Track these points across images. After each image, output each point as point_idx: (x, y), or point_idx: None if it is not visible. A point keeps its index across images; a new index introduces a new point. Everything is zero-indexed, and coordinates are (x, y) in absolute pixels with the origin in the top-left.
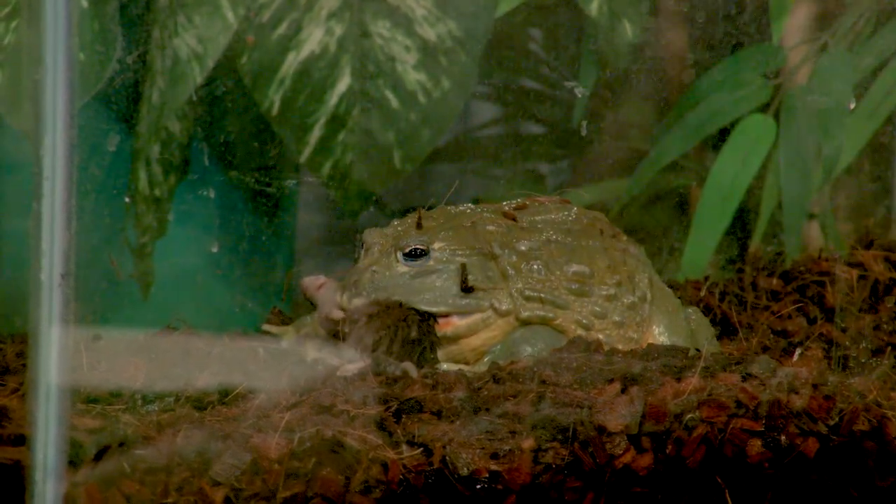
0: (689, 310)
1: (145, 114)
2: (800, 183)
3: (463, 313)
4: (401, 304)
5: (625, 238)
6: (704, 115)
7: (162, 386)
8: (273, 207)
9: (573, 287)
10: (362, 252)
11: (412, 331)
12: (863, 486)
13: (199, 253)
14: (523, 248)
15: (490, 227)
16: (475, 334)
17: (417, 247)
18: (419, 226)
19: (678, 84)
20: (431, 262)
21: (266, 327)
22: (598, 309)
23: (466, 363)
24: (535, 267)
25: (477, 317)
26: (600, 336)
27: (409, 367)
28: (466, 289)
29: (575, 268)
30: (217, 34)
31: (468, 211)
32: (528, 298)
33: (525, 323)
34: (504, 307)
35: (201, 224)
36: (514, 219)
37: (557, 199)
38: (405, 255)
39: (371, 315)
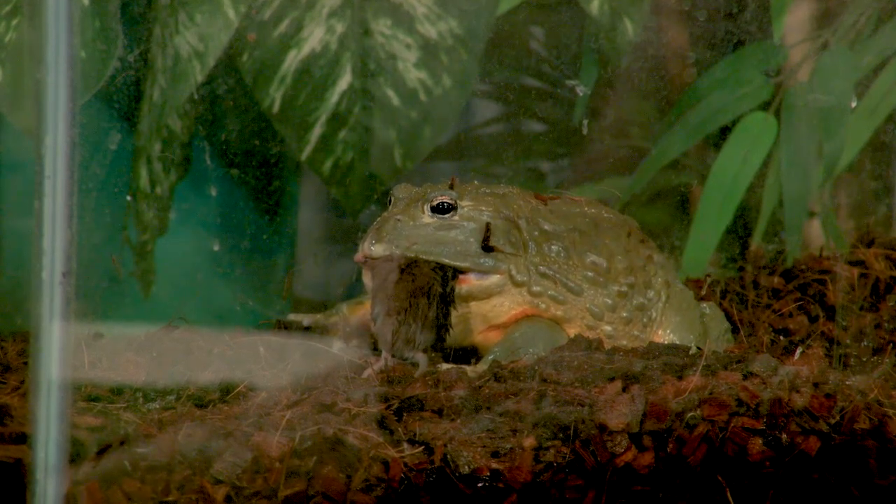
0: (704, 304)
1: (146, 112)
2: (801, 181)
3: (481, 272)
4: (416, 262)
5: (652, 245)
6: (705, 113)
7: (163, 384)
8: (274, 206)
9: (588, 275)
10: (390, 205)
11: (435, 290)
12: (864, 485)
13: (200, 251)
14: (547, 227)
15: (520, 202)
16: (487, 299)
17: (445, 201)
18: (451, 187)
19: (679, 82)
20: (457, 218)
21: (292, 316)
22: (609, 301)
23: (470, 341)
24: (555, 248)
25: (494, 279)
26: (607, 327)
27: (422, 357)
28: (487, 248)
29: (593, 258)
30: (218, 32)
31: (500, 186)
32: (542, 275)
33: (536, 297)
34: (520, 277)
35: (202, 222)
36: (544, 202)
37: (593, 199)
38: (432, 207)
39: (394, 272)
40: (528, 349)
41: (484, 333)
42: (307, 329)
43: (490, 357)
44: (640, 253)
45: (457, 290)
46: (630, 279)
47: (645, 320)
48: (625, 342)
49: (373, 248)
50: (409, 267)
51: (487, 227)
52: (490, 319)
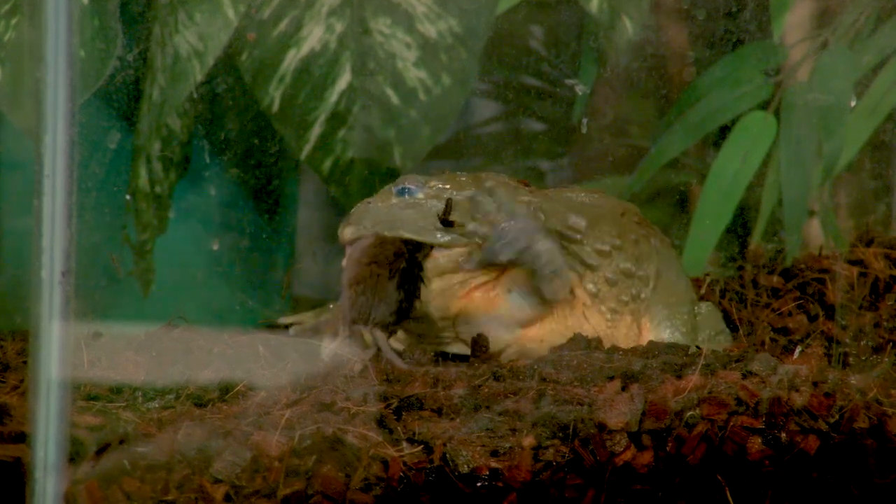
0: (702, 304)
1: (146, 111)
2: (800, 180)
3: (442, 246)
4: (385, 240)
5: (653, 231)
6: (705, 112)
7: (162, 383)
8: (273, 205)
9: (566, 234)
10: None
11: (399, 265)
12: (863, 484)
13: (199, 250)
14: (522, 199)
15: (495, 184)
16: (458, 272)
17: (409, 185)
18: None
19: (679, 81)
20: (421, 196)
21: (282, 319)
22: (588, 261)
23: (453, 310)
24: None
25: (457, 251)
26: (590, 285)
27: (380, 335)
28: (446, 222)
29: (572, 220)
30: (218, 31)
31: (488, 174)
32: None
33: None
34: (482, 231)
35: (202, 221)
36: (526, 185)
37: (595, 190)
38: (398, 189)
39: (362, 251)
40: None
41: (466, 298)
42: (290, 330)
43: (478, 258)
44: (634, 230)
45: (426, 265)
46: (615, 241)
47: (634, 292)
48: (613, 305)
49: (344, 231)
50: (375, 241)
51: (448, 203)
52: (469, 283)
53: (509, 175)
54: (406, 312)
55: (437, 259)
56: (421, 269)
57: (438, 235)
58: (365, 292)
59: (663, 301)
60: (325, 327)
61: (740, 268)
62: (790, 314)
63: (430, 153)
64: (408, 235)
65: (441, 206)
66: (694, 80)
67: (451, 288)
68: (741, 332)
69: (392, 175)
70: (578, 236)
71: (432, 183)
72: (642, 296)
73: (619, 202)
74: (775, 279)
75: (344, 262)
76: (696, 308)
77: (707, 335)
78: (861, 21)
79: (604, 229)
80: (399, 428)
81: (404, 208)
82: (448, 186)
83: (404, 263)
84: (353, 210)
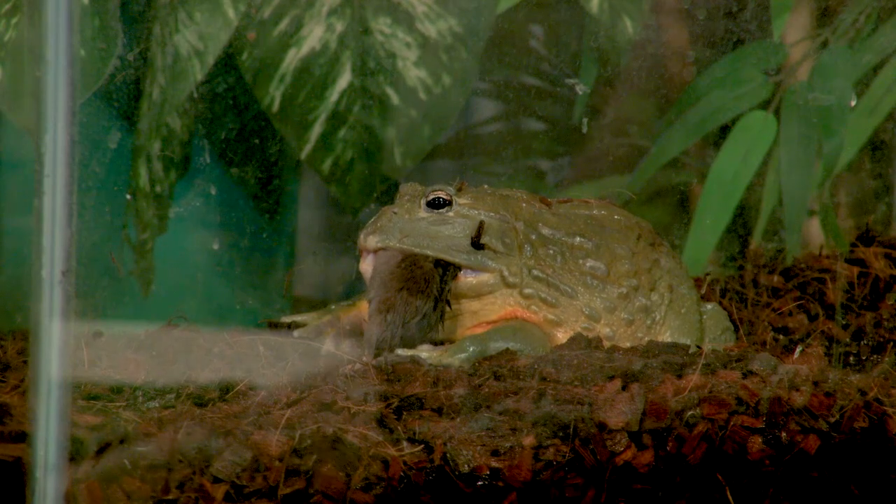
0: (709, 305)
1: (146, 110)
2: (800, 180)
3: (471, 269)
4: (416, 256)
5: (664, 250)
6: (705, 111)
7: (163, 382)
8: (274, 204)
9: (585, 280)
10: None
11: (431, 286)
12: (863, 483)
13: (199, 250)
14: (545, 232)
15: (522, 204)
16: (477, 297)
17: (441, 196)
18: (460, 189)
19: (679, 81)
20: (451, 214)
21: (284, 318)
22: (607, 304)
23: (458, 337)
24: (552, 252)
25: (484, 277)
26: (606, 329)
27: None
28: (477, 245)
29: (591, 263)
30: (218, 31)
31: (507, 189)
32: (535, 278)
33: (527, 300)
34: (512, 278)
35: (202, 221)
36: (548, 205)
37: (606, 202)
38: (428, 202)
39: (390, 266)
40: (502, 344)
41: (472, 330)
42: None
43: (461, 351)
44: (648, 256)
45: (453, 287)
46: (633, 282)
47: (649, 322)
48: (629, 344)
49: (367, 239)
50: (407, 261)
51: (480, 225)
52: (480, 317)
53: (518, 182)
54: (432, 334)
55: (462, 282)
56: (448, 290)
57: (470, 258)
58: (395, 321)
59: (675, 312)
60: (327, 329)
61: (741, 267)
62: (790, 314)
63: (431, 153)
64: (436, 255)
65: (468, 224)
66: (694, 79)
67: (462, 315)
68: (741, 331)
69: (393, 172)
70: (596, 283)
71: (462, 201)
72: (657, 318)
73: (633, 221)
74: (775, 279)
75: (362, 268)
76: (701, 309)
77: (714, 335)
78: (861, 20)
79: (621, 270)
80: (399, 427)
81: (432, 224)
82: (478, 206)
83: (435, 290)
84: (376, 217)
